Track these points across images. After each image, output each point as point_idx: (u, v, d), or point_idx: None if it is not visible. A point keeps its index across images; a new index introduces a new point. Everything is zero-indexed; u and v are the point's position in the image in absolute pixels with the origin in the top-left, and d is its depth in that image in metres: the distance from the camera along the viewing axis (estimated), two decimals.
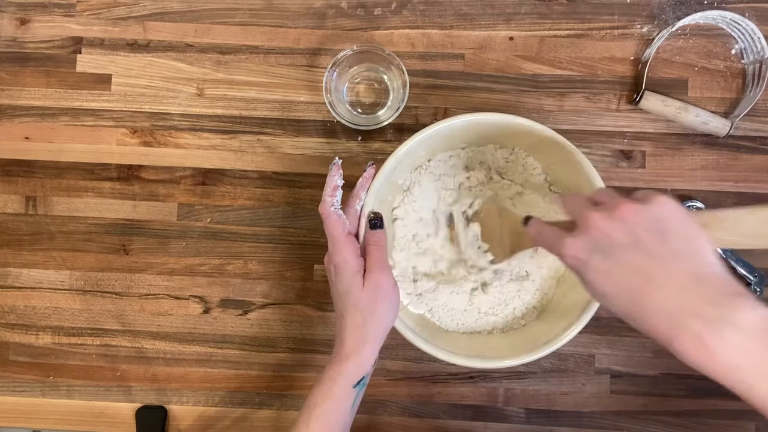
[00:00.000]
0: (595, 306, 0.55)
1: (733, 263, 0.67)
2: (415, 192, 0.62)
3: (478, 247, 0.60)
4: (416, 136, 0.56)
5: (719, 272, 0.38)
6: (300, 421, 0.52)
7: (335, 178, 0.56)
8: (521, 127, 0.56)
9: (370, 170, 0.57)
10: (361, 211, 0.57)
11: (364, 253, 0.56)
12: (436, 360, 0.68)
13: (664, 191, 0.64)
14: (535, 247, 0.57)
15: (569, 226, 0.43)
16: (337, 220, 0.55)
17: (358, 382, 0.52)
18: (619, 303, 0.40)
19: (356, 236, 0.57)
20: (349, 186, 0.58)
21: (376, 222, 0.57)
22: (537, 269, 0.62)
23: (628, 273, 0.39)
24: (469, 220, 0.61)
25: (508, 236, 0.57)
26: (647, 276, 0.38)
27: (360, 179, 0.58)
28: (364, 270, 0.55)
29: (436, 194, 0.62)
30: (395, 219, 0.62)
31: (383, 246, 0.56)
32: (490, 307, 0.62)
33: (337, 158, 0.57)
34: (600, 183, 0.55)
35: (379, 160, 0.68)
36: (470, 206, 0.61)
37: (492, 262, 0.59)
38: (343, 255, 0.54)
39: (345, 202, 0.58)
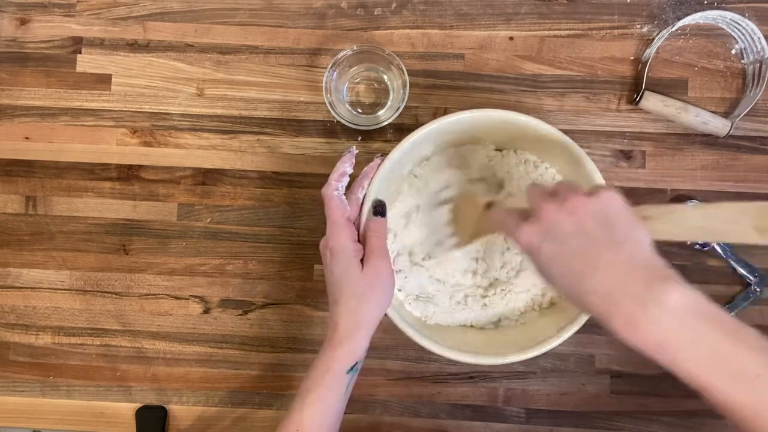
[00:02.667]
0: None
1: (732, 263, 0.67)
2: (416, 183, 0.63)
3: (443, 232, 0.61)
4: (420, 130, 0.57)
5: (654, 259, 0.42)
6: (294, 407, 0.52)
7: (345, 165, 0.57)
8: (528, 126, 0.56)
9: (377, 161, 0.58)
10: (363, 200, 0.57)
11: (362, 241, 0.56)
12: (436, 360, 0.68)
13: (662, 191, 0.64)
14: (495, 232, 0.59)
15: (527, 214, 0.47)
16: (338, 204, 0.55)
17: (351, 368, 0.53)
18: (564, 285, 0.44)
19: (356, 225, 0.57)
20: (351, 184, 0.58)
21: (379, 210, 0.57)
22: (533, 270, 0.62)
23: (573, 258, 0.43)
24: (442, 203, 0.61)
25: (475, 221, 0.58)
26: (589, 261, 0.42)
27: (365, 168, 0.58)
28: (363, 256, 0.55)
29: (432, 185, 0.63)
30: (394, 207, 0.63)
31: (383, 234, 0.57)
32: (489, 305, 0.62)
33: (353, 147, 0.58)
34: (600, 180, 0.55)
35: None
36: (446, 189, 0.62)
37: (455, 245, 0.60)
38: (340, 239, 0.54)
39: (348, 190, 0.58)
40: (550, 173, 0.62)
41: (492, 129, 0.60)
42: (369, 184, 0.57)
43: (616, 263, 0.41)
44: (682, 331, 0.39)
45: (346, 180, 0.57)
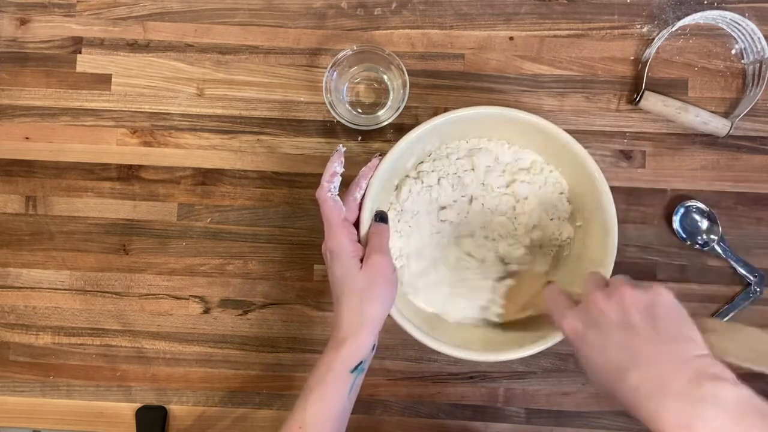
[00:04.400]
0: None
1: (733, 263, 0.67)
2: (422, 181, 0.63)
3: (494, 301, 0.60)
4: (418, 128, 0.57)
5: (704, 357, 0.40)
6: (297, 406, 0.52)
7: (335, 165, 0.56)
8: (535, 126, 0.57)
9: (375, 160, 0.58)
10: (361, 200, 0.57)
11: (362, 242, 0.57)
12: (436, 360, 0.68)
13: (663, 191, 0.63)
14: (543, 310, 0.57)
15: (579, 301, 0.47)
16: (333, 206, 0.55)
17: (356, 367, 0.52)
18: (606, 379, 0.43)
19: (356, 225, 0.57)
20: (346, 184, 0.58)
21: (381, 218, 0.58)
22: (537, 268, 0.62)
23: (617, 350, 0.42)
24: (503, 277, 0.61)
25: (529, 296, 0.58)
26: (633, 354, 0.41)
27: (363, 168, 0.58)
28: (363, 255, 0.55)
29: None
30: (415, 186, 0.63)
31: (385, 235, 0.57)
32: (489, 301, 0.62)
33: (340, 146, 0.58)
34: (603, 183, 0.56)
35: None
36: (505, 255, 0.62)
37: (498, 316, 0.60)
38: (338, 239, 0.54)
39: (346, 190, 0.58)
40: (553, 176, 0.62)
41: (494, 127, 0.60)
42: (367, 184, 0.57)
43: (662, 359, 0.40)
44: (739, 430, 0.37)
45: (337, 180, 0.56)
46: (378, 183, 0.57)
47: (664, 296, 0.43)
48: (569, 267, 0.62)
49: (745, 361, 0.43)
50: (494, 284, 0.60)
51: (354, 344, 0.52)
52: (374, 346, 0.54)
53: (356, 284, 0.53)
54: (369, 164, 0.58)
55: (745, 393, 0.38)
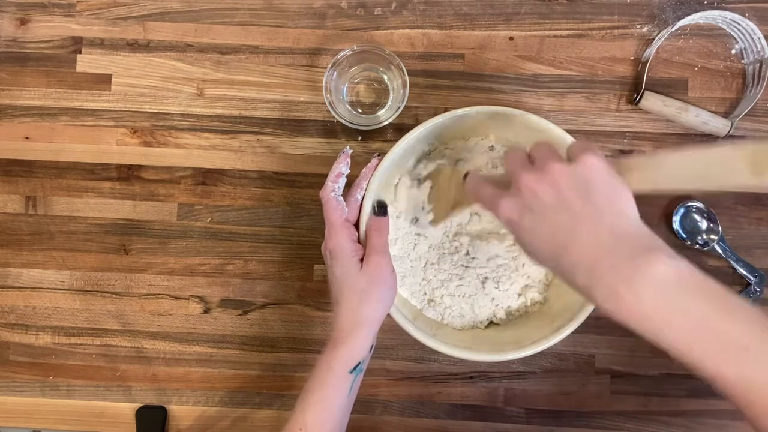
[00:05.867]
0: (589, 309, 0.55)
1: (732, 263, 0.67)
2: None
3: (422, 208, 0.61)
4: (416, 130, 0.57)
5: (638, 228, 0.41)
6: (297, 408, 0.52)
7: (341, 166, 0.57)
8: (524, 121, 0.57)
9: (374, 161, 0.58)
10: (361, 201, 0.57)
11: (363, 241, 0.57)
12: (436, 360, 0.68)
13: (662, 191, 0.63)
14: (471, 204, 0.58)
15: (506, 184, 0.46)
16: (336, 206, 0.55)
17: (354, 368, 0.52)
18: (546, 259, 0.43)
19: (356, 226, 0.57)
20: (348, 184, 0.58)
21: (380, 210, 0.58)
22: (532, 268, 0.62)
23: (554, 231, 0.42)
24: (420, 180, 0.62)
25: (452, 195, 0.58)
26: (571, 233, 0.41)
27: (363, 169, 0.58)
28: (363, 255, 0.55)
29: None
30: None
31: (385, 232, 0.57)
32: (486, 303, 0.62)
33: (347, 147, 0.58)
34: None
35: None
36: (425, 167, 0.62)
37: (432, 222, 0.60)
38: (338, 240, 0.54)
39: (347, 191, 0.58)
40: None
41: (493, 126, 0.60)
42: (367, 185, 0.57)
43: (599, 234, 0.40)
44: (668, 303, 0.37)
45: (342, 181, 0.57)
46: (377, 183, 0.58)
47: (595, 168, 0.42)
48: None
49: (663, 185, 0.43)
50: (420, 194, 0.61)
51: (352, 345, 0.52)
52: (372, 346, 0.54)
53: (356, 284, 0.53)
54: (369, 164, 0.58)
55: (681, 266, 0.38)
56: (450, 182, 0.60)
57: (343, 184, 0.57)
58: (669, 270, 0.37)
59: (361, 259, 0.55)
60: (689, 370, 0.38)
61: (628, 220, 0.41)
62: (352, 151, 0.58)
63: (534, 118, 0.57)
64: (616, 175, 0.42)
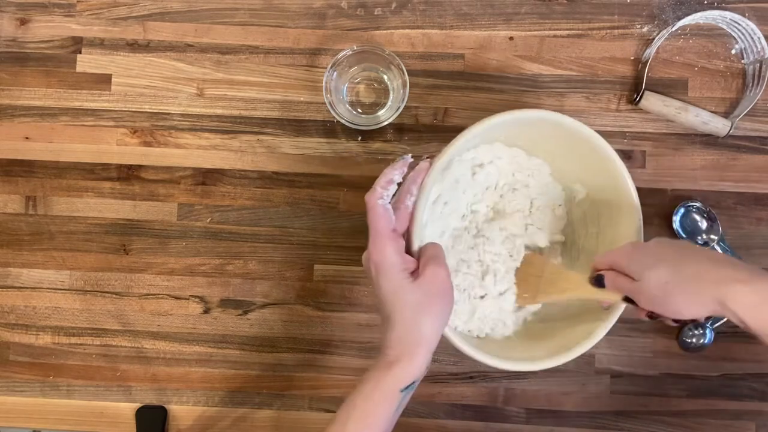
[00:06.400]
0: (621, 308, 0.55)
1: None
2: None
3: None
4: (471, 129, 0.53)
5: (730, 257, 0.49)
6: (337, 419, 0.48)
7: (395, 172, 0.51)
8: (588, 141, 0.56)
9: (424, 163, 0.52)
10: (413, 208, 0.52)
11: (412, 254, 0.52)
12: (435, 360, 0.68)
13: (663, 191, 0.63)
14: (563, 298, 0.58)
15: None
16: (382, 214, 0.49)
17: (407, 387, 0.48)
18: (675, 282, 0.48)
19: (405, 236, 0.52)
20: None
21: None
22: None
23: (658, 258, 0.49)
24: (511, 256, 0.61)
25: (542, 284, 0.58)
26: (679, 259, 0.48)
27: (411, 173, 0.52)
28: (413, 268, 0.50)
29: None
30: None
31: (442, 253, 0.52)
32: (505, 313, 0.61)
33: (409, 155, 0.52)
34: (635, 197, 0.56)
35: (379, 161, 0.68)
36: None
37: (517, 303, 0.60)
38: (384, 252, 0.49)
39: (395, 198, 0.53)
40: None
41: (542, 136, 0.58)
42: (419, 191, 0.52)
43: (704, 259, 0.48)
44: None
45: (393, 188, 0.51)
46: (430, 188, 0.52)
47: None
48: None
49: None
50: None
51: (409, 364, 0.48)
52: (429, 362, 0.50)
53: (410, 298, 0.48)
54: (418, 167, 0.52)
55: None
56: (538, 269, 0.59)
57: (393, 192, 0.51)
58: None
59: (412, 272, 0.50)
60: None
61: (716, 252, 0.52)
62: (412, 159, 0.52)
63: (578, 125, 0.55)
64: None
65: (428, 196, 0.54)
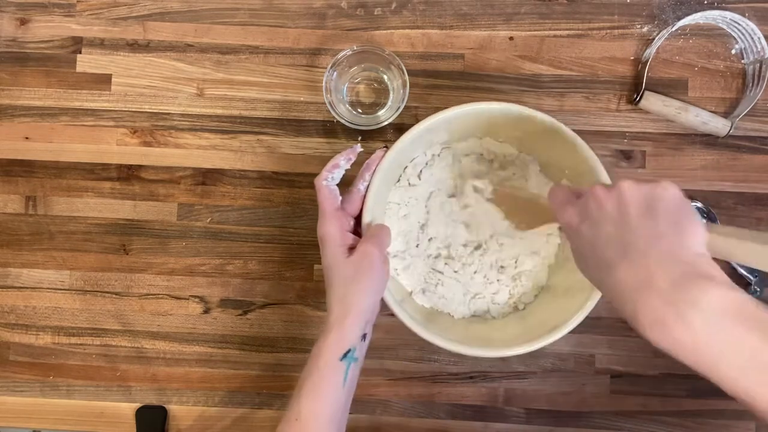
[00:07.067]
0: (586, 311, 0.55)
1: (733, 263, 0.67)
2: (430, 169, 0.63)
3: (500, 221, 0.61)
4: (422, 123, 0.56)
5: (697, 256, 0.38)
6: (292, 398, 0.51)
7: (341, 158, 0.57)
8: (543, 125, 0.56)
9: (379, 152, 0.58)
10: (365, 192, 0.57)
11: (363, 234, 0.57)
12: (436, 360, 0.68)
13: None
14: (553, 222, 0.56)
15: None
16: (327, 194, 0.56)
17: (344, 355, 0.51)
18: (595, 272, 0.42)
19: (358, 219, 0.58)
20: (349, 185, 0.58)
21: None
22: (528, 256, 0.62)
23: (608, 243, 0.40)
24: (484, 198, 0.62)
25: (526, 214, 0.58)
26: (623, 249, 0.39)
27: (368, 160, 0.58)
28: (352, 244, 0.55)
29: (450, 171, 0.63)
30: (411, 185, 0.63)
31: (385, 235, 0.57)
32: (486, 291, 0.62)
33: (359, 145, 0.59)
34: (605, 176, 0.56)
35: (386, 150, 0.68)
36: (482, 184, 0.62)
37: (518, 228, 0.60)
38: (328, 227, 0.55)
39: (352, 183, 0.58)
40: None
41: (500, 125, 0.60)
42: (372, 176, 0.57)
43: (653, 255, 0.38)
44: (720, 336, 0.35)
45: (338, 172, 0.57)
46: (380, 176, 0.58)
47: (668, 190, 0.40)
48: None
49: (736, 258, 0.40)
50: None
51: (339, 332, 0.52)
52: (365, 335, 0.54)
53: (342, 272, 0.53)
54: (373, 156, 0.58)
55: (735, 296, 0.35)
56: (513, 202, 0.60)
57: (339, 176, 0.57)
58: (724, 300, 0.35)
59: (350, 248, 0.55)
60: (741, 404, 0.36)
61: (687, 246, 0.38)
62: (362, 150, 0.59)
63: (541, 116, 0.56)
64: (690, 205, 0.40)
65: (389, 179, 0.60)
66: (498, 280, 0.62)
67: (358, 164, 0.59)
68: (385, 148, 0.58)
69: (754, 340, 0.34)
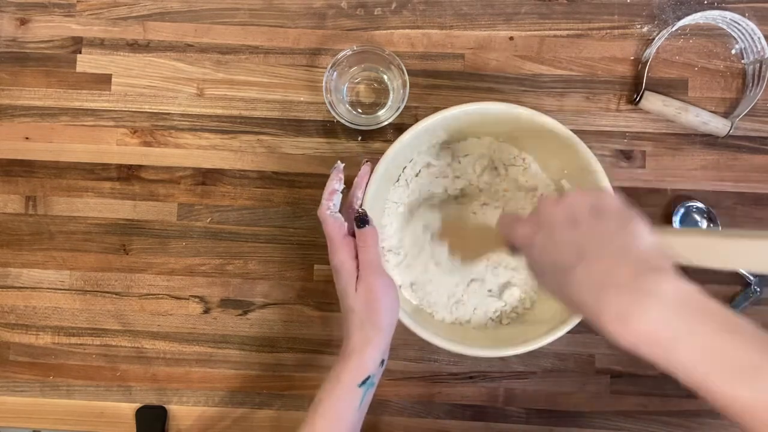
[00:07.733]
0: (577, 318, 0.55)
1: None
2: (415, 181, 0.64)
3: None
4: (411, 130, 0.57)
5: (649, 250, 0.40)
6: (306, 419, 0.52)
7: (334, 183, 0.56)
8: (530, 122, 0.56)
9: (365, 167, 0.57)
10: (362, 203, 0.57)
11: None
12: (436, 360, 0.68)
13: (662, 191, 0.64)
14: (502, 248, 0.57)
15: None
16: (333, 223, 0.55)
17: (363, 382, 0.52)
18: (553, 280, 0.43)
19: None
20: (350, 185, 0.58)
21: (362, 220, 0.55)
22: (520, 276, 0.63)
23: (563, 248, 0.42)
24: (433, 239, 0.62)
25: (475, 244, 0.60)
26: (579, 252, 0.41)
27: (356, 178, 0.58)
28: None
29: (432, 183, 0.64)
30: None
31: (372, 245, 0.54)
32: (475, 307, 0.62)
33: (339, 162, 0.57)
34: (605, 180, 0.56)
35: (376, 160, 0.68)
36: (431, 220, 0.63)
37: (463, 260, 0.61)
38: (339, 257, 0.54)
39: (345, 203, 0.58)
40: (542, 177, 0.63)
41: (497, 125, 0.60)
42: (363, 194, 0.57)
43: (607, 254, 0.40)
44: (676, 325, 0.36)
45: (337, 197, 0.56)
46: (374, 189, 0.57)
47: (612, 197, 0.44)
48: None
49: (692, 260, 0.43)
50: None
51: (360, 359, 0.52)
52: (383, 361, 0.54)
53: (354, 305, 0.53)
54: (360, 172, 0.57)
55: (687, 287, 0.37)
56: (462, 233, 0.61)
57: (339, 200, 0.56)
58: (677, 291, 0.37)
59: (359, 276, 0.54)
60: (693, 392, 0.37)
61: (639, 241, 0.40)
62: (344, 165, 0.57)
63: (538, 116, 0.56)
64: (631, 210, 0.43)
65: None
66: (486, 298, 0.63)
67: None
68: (367, 162, 0.58)
69: (707, 329, 0.36)
